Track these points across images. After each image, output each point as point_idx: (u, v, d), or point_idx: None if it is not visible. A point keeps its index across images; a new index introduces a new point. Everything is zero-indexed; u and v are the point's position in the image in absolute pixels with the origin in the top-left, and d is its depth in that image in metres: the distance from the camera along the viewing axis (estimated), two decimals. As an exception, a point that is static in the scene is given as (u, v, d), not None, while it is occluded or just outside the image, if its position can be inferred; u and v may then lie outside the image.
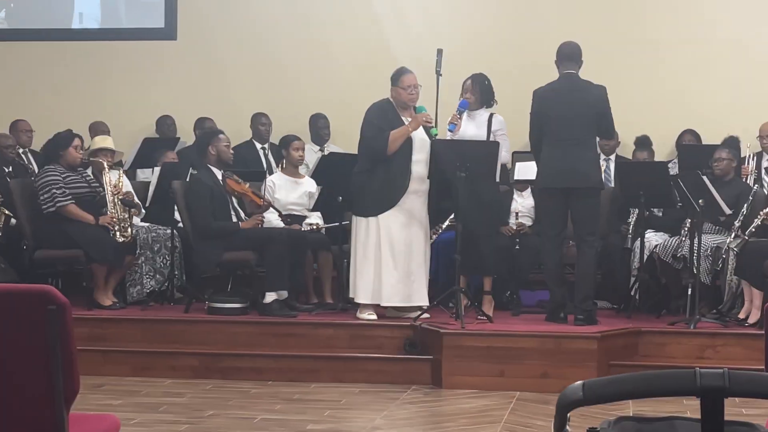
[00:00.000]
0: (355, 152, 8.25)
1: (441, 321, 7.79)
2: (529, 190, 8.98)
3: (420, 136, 7.89)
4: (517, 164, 8.89)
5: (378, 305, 7.94)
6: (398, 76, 7.89)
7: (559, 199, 7.86)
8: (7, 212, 8.93)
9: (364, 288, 7.86)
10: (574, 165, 7.75)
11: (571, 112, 7.80)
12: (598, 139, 8.43)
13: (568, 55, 7.97)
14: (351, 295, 8.04)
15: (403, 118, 7.83)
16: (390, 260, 7.80)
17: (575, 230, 7.96)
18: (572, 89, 7.90)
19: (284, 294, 8.26)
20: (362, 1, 10.99)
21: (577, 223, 7.91)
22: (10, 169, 9.62)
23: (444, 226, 8.59)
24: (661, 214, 8.88)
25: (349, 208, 8.22)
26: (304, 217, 8.89)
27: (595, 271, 8.11)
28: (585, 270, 7.95)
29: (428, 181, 7.97)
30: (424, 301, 7.97)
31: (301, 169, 9.24)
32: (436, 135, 7.93)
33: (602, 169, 9.82)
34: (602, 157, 10.02)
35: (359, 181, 7.93)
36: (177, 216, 8.68)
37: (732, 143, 9.22)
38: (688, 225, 8.22)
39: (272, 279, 8.17)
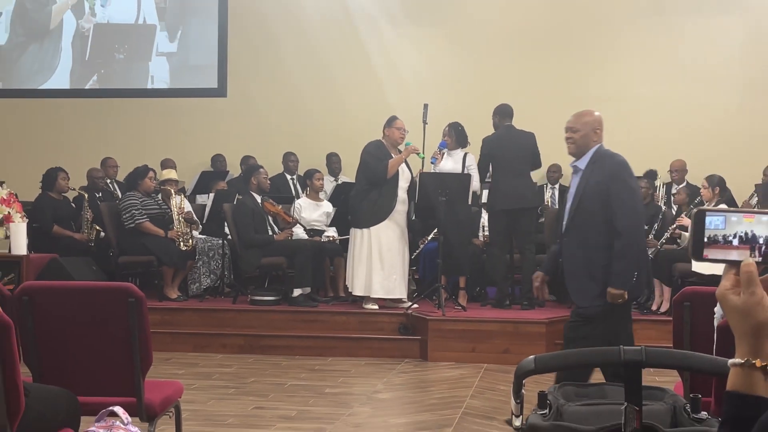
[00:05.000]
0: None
1: (427, 310, 7.79)
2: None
3: (405, 170, 7.95)
4: (485, 191, 8.91)
5: (380, 298, 7.96)
6: (392, 120, 7.96)
7: (505, 218, 7.99)
8: (98, 228, 8.96)
9: (358, 284, 7.89)
10: (515, 191, 7.94)
11: (511, 152, 8.02)
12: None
13: (507, 113, 8.27)
14: (350, 289, 8.06)
15: (392, 155, 7.86)
16: (378, 262, 7.82)
17: (517, 241, 8.08)
18: (511, 136, 8.12)
19: (308, 289, 8.27)
20: (368, 67, 11.02)
21: (519, 236, 8.05)
22: (100, 194, 9.66)
23: (429, 238, 8.60)
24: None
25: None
26: (323, 231, 8.89)
27: (535, 271, 8.21)
28: (527, 271, 8.04)
29: (408, 202, 8.03)
30: (403, 294, 7.98)
31: (321, 195, 9.25)
32: (423, 157, 8.03)
33: (549, 194, 9.94)
34: (548, 185, 10.12)
35: (356, 202, 7.97)
36: (227, 230, 8.69)
37: (650, 175, 9.28)
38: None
39: (299, 278, 8.18)
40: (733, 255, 1.36)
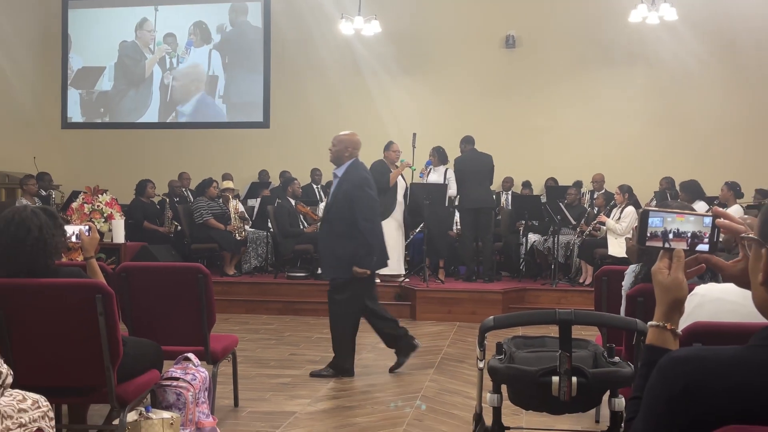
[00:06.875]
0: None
1: (415, 283, 7.78)
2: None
3: (401, 181, 7.94)
4: (458, 196, 8.94)
5: (382, 274, 7.95)
6: (390, 144, 7.91)
7: (471, 215, 8.00)
8: (176, 223, 8.97)
9: None
10: (478, 196, 7.96)
11: (475, 168, 8.02)
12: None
13: (470, 140, 8.30)
14: None
15: (391, 169, 7.85)
16: None
17: (480, 233, 8.07)
18: (475, 157, 8.13)
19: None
20: (371, 106, 11.02)
21: (481, 229, 8.03)
22: (177, 199, 9.67)
23: (417, 231, 8.60)
24: (537, 224, 8.90)
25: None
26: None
27: (493, 254, 8.23)
28: (487, 254, 8.06)
29: (405, 204, 8.02)
30: (401, 271, 7.95)
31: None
32: (414, 169, 8.09)
33: (504, 198, 9.94)
34: (503, 192, 10.12)
35: None
36: (270, 225, 8.69)
37: (578, 184, 9.29)
38: (551, 230, 8.25)
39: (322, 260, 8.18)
40: (668, 244, 1.37)
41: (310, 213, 8.66)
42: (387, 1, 10.87)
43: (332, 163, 5.04)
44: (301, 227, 8.50)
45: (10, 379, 2.26)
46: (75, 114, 12.03)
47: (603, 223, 7.91)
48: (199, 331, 3.75)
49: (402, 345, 5.08)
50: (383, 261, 5.14)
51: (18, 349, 2.93)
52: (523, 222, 8.71)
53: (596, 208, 8.59)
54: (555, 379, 2.03)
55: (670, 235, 1.38)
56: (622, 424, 2.06)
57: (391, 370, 5.10)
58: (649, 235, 1.38)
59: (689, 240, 1.37)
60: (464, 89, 10.88)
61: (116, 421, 3.09)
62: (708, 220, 1.37)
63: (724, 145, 10.23)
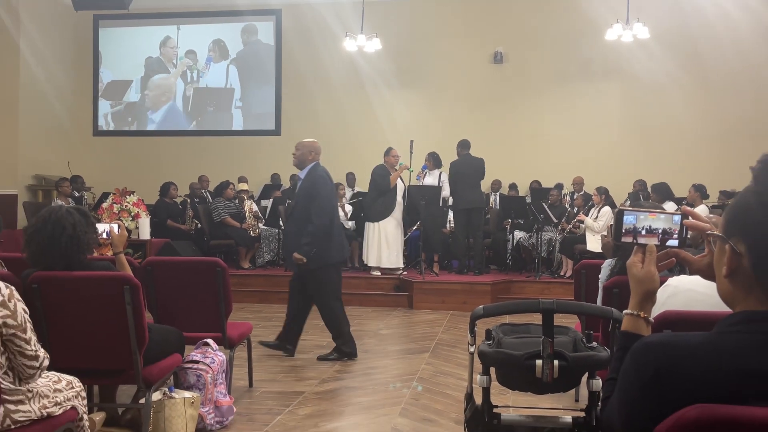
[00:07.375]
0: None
1: (412, 275, 7.78)
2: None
3: (400, 183, 7.93)
4: (451, 197, 8.93)
5: (383, 267, 7.94)
6: (389, 150, 7.94)
7: (464, 214, 7.97)
8: (196, 222, 8.96)
9: (371, 257, 7.87)
10: (471, 197, 7.94)
11: (468, 171, 7.97)
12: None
13: (466, 145, 8.20)
14: (365, 262, 8.03)
15: (391, 173, 7.84)
16: (385, 244, 7.81)
17: (471, 231, 8.06)
18: (468, 161, 8.07)
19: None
20: (372, 115, 11.00)
21: (472, 227, 8.02)
22: (198, 199, 9.66)
23: (414, 228, 8.60)
24: (522, 222, 8.89)
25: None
26: (344, 224, 8.89)
27: (482, 250, 8.23)
28: (478, 250, 8.03)
29: (404, 204, 8.00)
30: (400, 264, 7.95)
31: (343, 200, 9.24)
32: (411, 171, 8.08)
33: (493, 199, 9.93)
34: (492, 193, 10.11)
35: (369, 204, 7.94)
36: (281, 223, 8.69)
37: (559, 186, 9.28)
38: (536, 227, 8.24)
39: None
40: (642, 240, 1.37)
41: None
42: (387, 20, 10.87)
43: (295, 167, 5.04)
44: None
45: (46, 362, 2.27)
46: (105, 123, 12.03)
47: (582, 222, 7.90)
48: (217, 319, 3.75)
49: (285, 340, 5.03)
50: (341, 256, 5.08)
51: (54, 335, 2.94)
52: (510, 220, 8.71)
53: (576, 208, 8.58)
54: (539, 362, 2.03)
55: (643, 232, 1.37)
56: (599, 403, 2.05)
57: (262, 342, 5.08)
58: (624, 231, 1.38)
59: (660, 236, 1.37)
60: (456, 100, 10.86)
61: (142, 400, 3.09)
62: (677, 218, 1.38)
63: (691, 150, 10.22)
